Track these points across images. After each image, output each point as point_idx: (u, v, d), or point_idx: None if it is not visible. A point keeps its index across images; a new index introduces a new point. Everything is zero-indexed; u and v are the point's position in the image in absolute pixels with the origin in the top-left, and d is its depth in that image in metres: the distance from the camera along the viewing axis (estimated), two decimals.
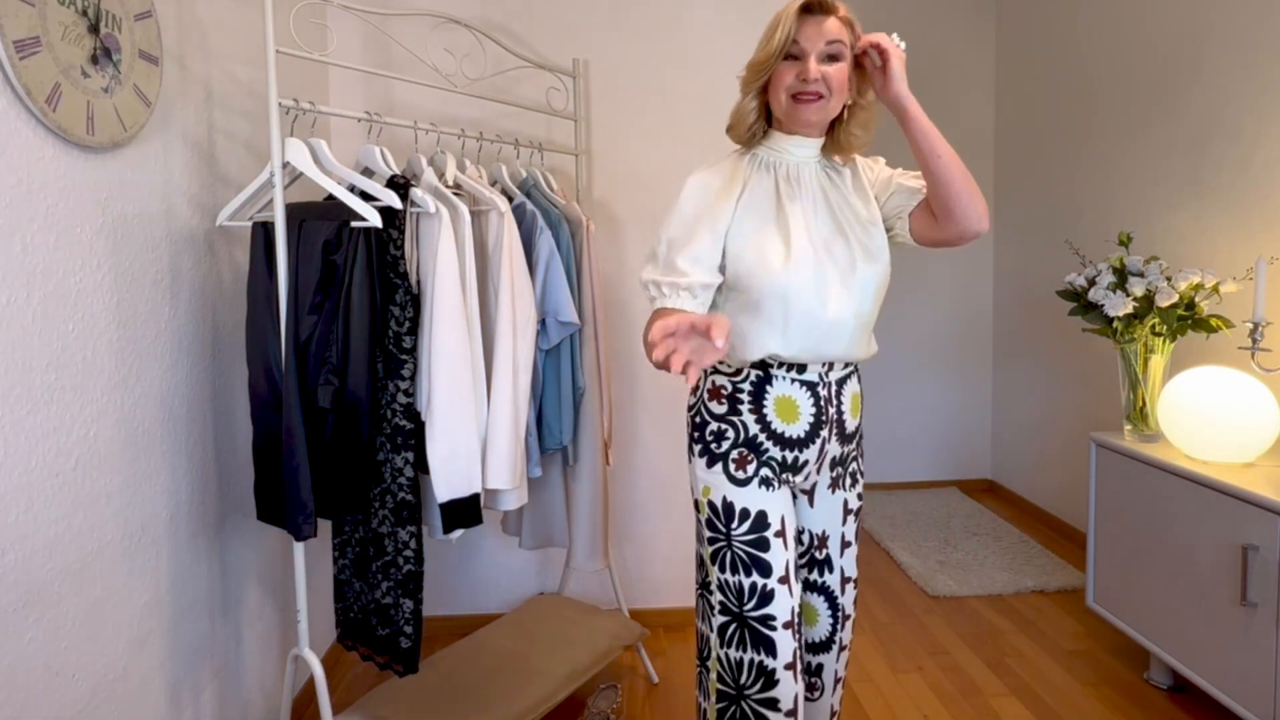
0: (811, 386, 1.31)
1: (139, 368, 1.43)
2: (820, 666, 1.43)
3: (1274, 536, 1.72)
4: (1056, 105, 3.38)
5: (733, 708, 1.28)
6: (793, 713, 1.26)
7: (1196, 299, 2.15)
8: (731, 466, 1.31)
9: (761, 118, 1.34)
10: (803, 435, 1.31)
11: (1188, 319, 2.15)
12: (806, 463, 1.33)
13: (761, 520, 1.29)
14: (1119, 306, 2.17)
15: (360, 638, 1.68)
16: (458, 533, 1.60)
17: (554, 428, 1.94)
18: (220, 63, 1.74)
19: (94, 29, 1.29)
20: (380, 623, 1.62)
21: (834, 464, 1.38)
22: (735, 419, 1.32)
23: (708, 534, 1.33)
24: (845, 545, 1.41)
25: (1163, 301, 2.12)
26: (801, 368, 1.31)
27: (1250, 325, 2.03)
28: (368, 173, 1.67)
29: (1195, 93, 2.57)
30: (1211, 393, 1.99)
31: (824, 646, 1.43)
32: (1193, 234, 2.59)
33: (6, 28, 1.11)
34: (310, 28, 2.09)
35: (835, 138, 1.33)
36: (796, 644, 1.28)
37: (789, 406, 1.31)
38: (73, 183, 1.27)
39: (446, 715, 1.72)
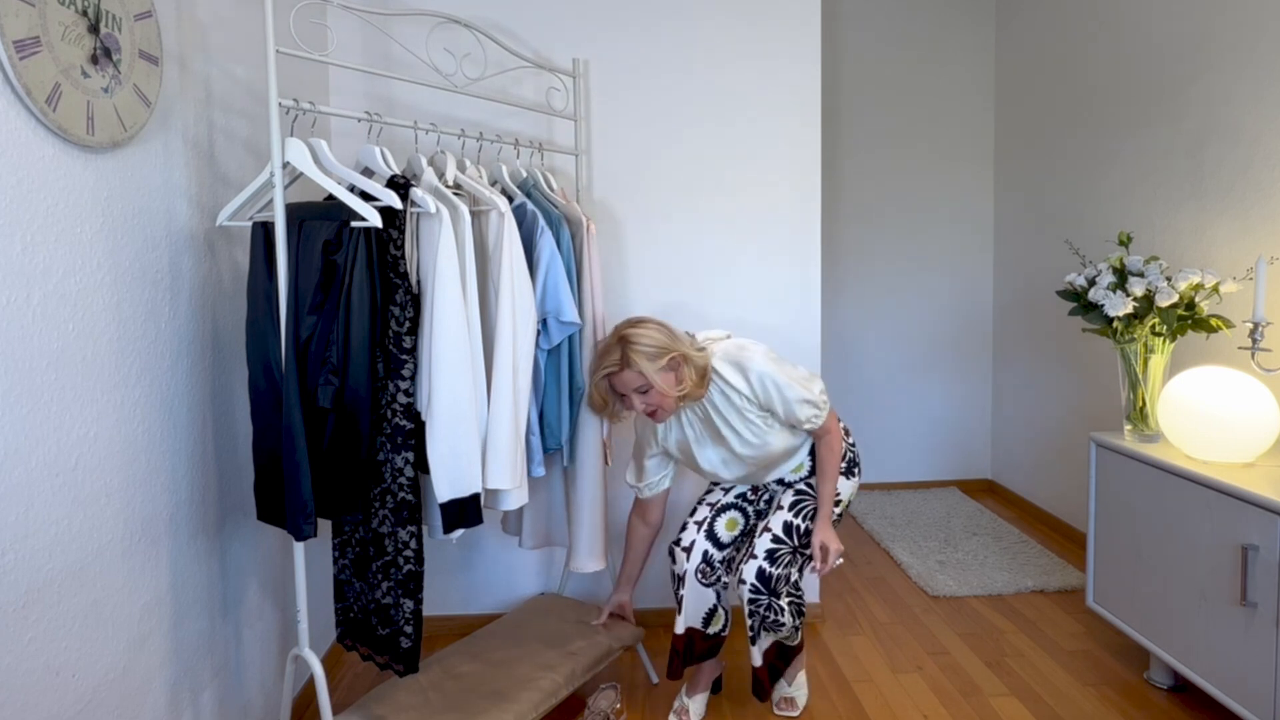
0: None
1: (139, 368, 1.43)
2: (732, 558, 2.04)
3: (1274, 536, 1.72)
4: (1056, 105, 3.38)
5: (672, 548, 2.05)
6: (688, 549, 1.98)
7: (1196, 299, 2.15)
8: None
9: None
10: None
11: (1188, 319, 2.15)
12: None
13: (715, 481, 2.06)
14: (1119, 306, 2.17)
15: (360, 638, 1.68)
16: (458, 533, 1.60)
17: (554, 428, 1.94)
18: (220, 63, 1.74)
19: (94, 29, 1.29)
20: (380, 623, 1.62)
21: (783, 485, 2.04)
22: None
23: None
24: (779, 508, 1.97)
25: (1163, 301, 2.12)
26: None
27: (1250, 325, 2.03)
28: (368, 173, 1.67)
29: (1195, 93, 2.57)
30: (1211, 393, 1.99)
31: (735, 547, 2.02)
32: (1193, 234, 2.59)
33: (6, 28, 1.11)
34: (310, 28, 2.09)
35: (691, 390, 1.80)
36: (710, 514, 2.02)
37: None
38: (73, 183, 1.27)
39: (445, 716, 1.72)
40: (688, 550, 1.98)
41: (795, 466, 2.01)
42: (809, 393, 1.84)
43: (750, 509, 2.08)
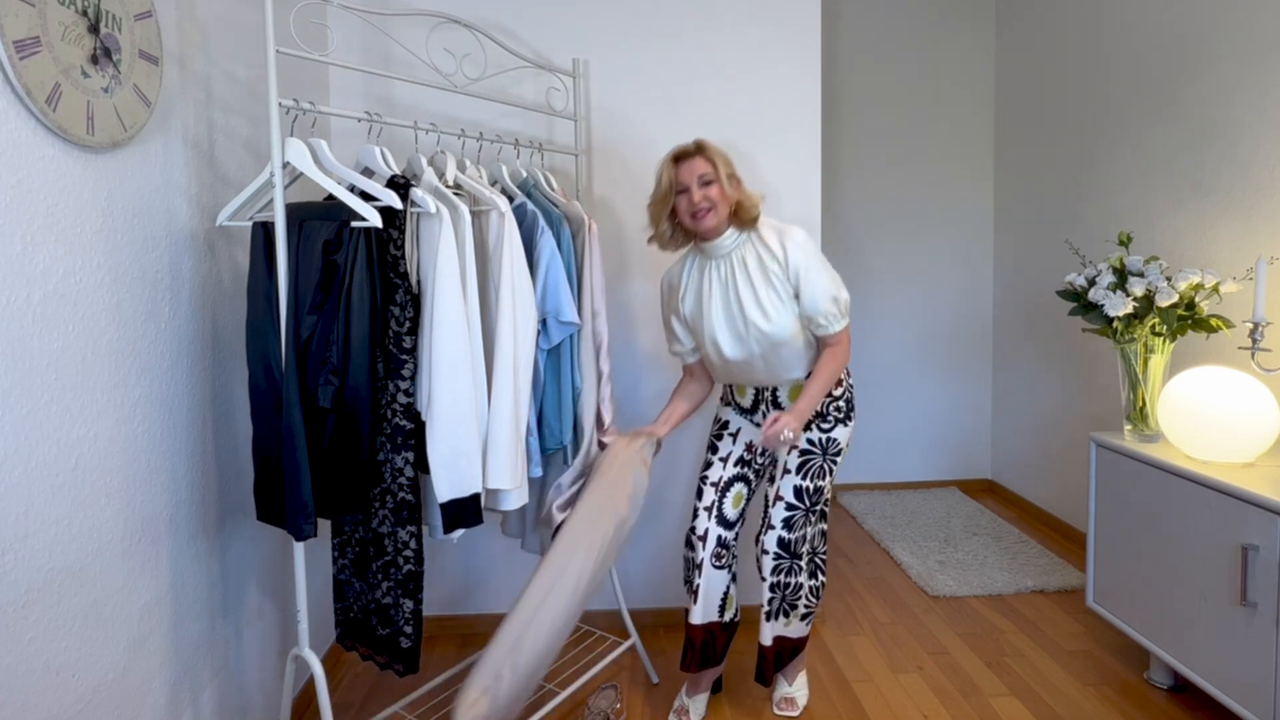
0: (757, 389, 2.02)
1: (139, 368, 1.43)
2: (755, 535, 2.03)
3: (1274, 536, 1.72)
4: (1056, 105, 3.38)
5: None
6: (703, 537, 2.00)
7: (1196, 299, 2.15)
8: (720, 404, 2.13)
9: (680, 233, 1.93)
10: (748, 406, 2.04)
11: (1188, 319, 2.15)
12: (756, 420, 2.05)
13: (724, 425, 2.08)
14: (1119, 306, 2.17)
15: (360, 638, 1.68)
16: (458, 533, 1.60)
17: (554, 427, 1.94)
18: (220, 63, 1.74)
19: (94, 29, 1.29)
20: (380, 623, 1.62)
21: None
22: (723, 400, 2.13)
23: None
24: (785, 471, 1.96)
25: (1163, 301, 2.12)
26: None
27: (1250, 325, 2.03)
28: (368, 173, 1.67)
29: (1195, 93, 2.57)
30: (1211, 393, 1.99)
31: (742, 519, 2.04)
32: (1193, 234, 2.59)
33: (6, 28, 1.11)
34: (310, 28, 2.09)
35: (739, 219, 1.88)
36: (716, 496, 2.01)
37: (741, 390, 2.04)
38: (73, 183, 1.27)
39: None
40: (703, 539, 2.00)
41: (795, 383, 1.95)
42: (837, 291, 1.85)
43: (751, 473, 2.06)
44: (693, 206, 1.82)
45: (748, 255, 1.87)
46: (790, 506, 1.93)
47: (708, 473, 2.05)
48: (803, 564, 1.97)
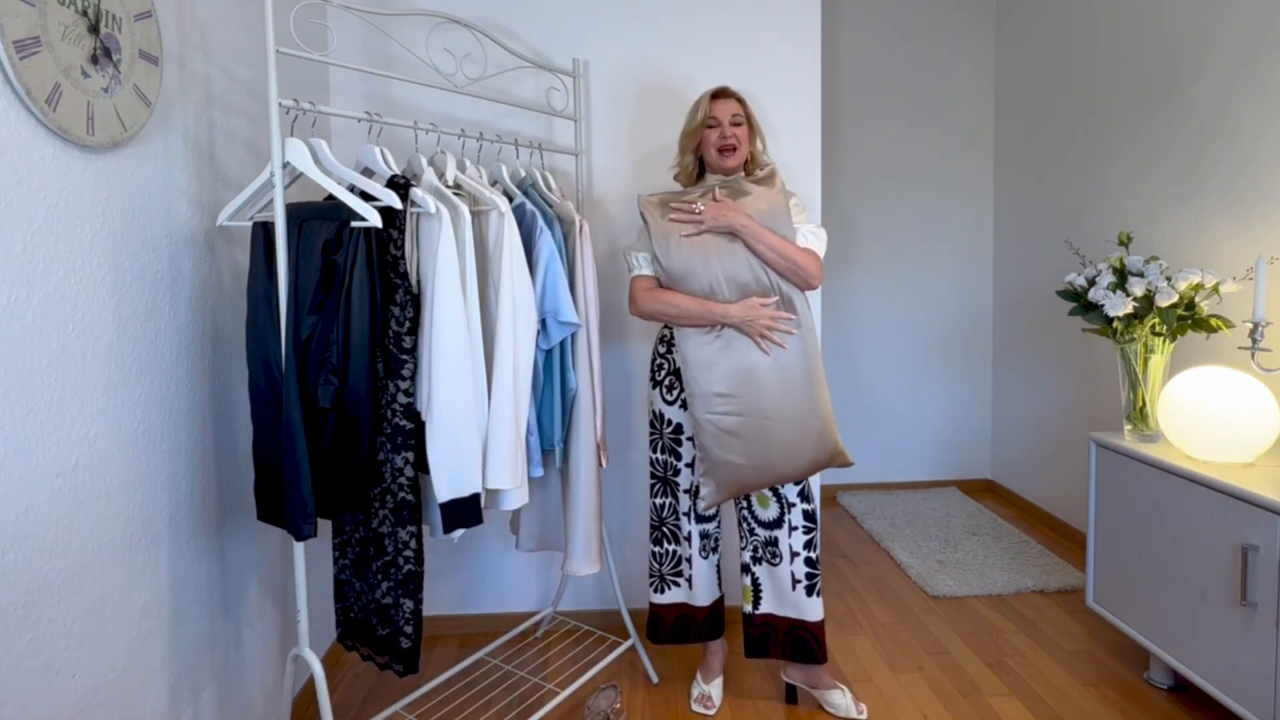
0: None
1: (139, 368, 1.43)
2: (776, 539, 2.02)
3: (1274, 536, 1.72)
4: (1056, 105, 3.38)
5: (655, 532, 2.13)
6: (688, 538, 2.08)
7: (1196, 299, 2.15)
8: (663, 390, 2.04)
9: (697, 168, 2.08)
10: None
11: (1188, 319, 2.15)
12: None
13: (678, 428, 2.03)
14: (1119, 306, 2.17)
15: (360, 638, 1.68)
16: (458, 533, 1.60)
17: (547, 429, 1.94)
18: (220, 63, 1.74)
19: (94, 29, 1.29)
20: (380, 623, 1.62)
21: None
22: (670, 356, 2.02)
23: (650, 431, 2.10)
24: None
25: (1163, 301, 2.12)
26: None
27: (1250, 325, 2.03)
28: (368, 173, 1.67)
29: (1195, 93, 2.57)
30: (1211, 393, 1.99)
31: (775, 524, 2.02)
32: (1193, 234, 2.59)
33: (6, 28, 1.11)
34: (310, 28, 2.09)
35: (749, 170, 2.05)
36: (692, 502, 2.05)
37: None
38: (73, 183, 1.27)
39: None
40: (689, 539, 2.08)
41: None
42: (822, 235, 1.99)
43: None
44: (722, 140, 1.96)
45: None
46: (798, 480, 2.00)
47: (677, 479, 2.06)
48: (817, 527, 2.05)
